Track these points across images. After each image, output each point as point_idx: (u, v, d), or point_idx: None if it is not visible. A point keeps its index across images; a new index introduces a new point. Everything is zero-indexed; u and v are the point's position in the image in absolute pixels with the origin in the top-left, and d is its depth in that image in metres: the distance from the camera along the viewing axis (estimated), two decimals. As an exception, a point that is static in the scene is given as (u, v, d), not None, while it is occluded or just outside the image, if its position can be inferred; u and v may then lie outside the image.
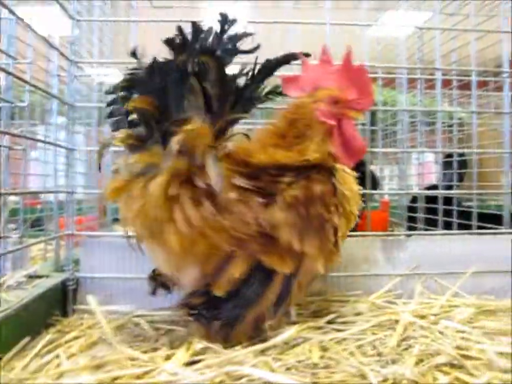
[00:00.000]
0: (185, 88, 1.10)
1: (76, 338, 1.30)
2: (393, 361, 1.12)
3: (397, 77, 1.78)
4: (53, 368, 1.09)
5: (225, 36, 1.16)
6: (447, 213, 2.22)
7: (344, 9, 2.29)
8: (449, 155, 2.67)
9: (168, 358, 1.12)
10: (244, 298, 1.12)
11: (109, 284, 1.59)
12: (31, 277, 1.54)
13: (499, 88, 2.22)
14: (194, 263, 1.13)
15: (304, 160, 1.21)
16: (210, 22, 1.17)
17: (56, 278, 1.55)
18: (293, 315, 1.17)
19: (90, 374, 1.02)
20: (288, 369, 1.06)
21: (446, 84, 2.43)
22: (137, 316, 1.48)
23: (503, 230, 1.81)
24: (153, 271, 1.27)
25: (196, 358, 1.08)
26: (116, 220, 2.56)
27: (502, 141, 2.01)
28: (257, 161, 1.19)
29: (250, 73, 1.23)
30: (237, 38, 1.17)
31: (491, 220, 1.95)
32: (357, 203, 1.28)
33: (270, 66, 1.25)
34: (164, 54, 1.09)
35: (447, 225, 2.21)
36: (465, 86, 2.30)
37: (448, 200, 2.27)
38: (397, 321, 1.34)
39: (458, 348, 1.12)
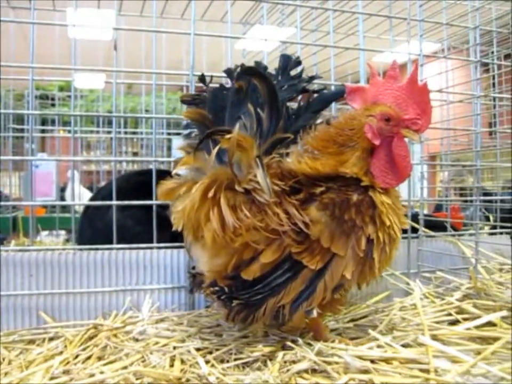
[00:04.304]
0: (240, 111, 1.26)
1: None
2: (257, 369, 1.14)
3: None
4: None
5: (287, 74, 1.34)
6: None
7: (211, 21, 2.33)
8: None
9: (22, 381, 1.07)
10: (267, 286, 1.18)
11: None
12: None
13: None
14: (226, 255, 1.21)
15: (341, 172, 1.23)
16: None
17: None
18: (314, 313, 1.20)
19: None
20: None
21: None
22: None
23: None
24: (193, 268, 1.37)
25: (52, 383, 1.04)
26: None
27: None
28: (297, 169, 1.23)
29: (304, 103, 1.35)
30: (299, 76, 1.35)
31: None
32: (401, 221, 1.26)
33: (326, 98, 1.38)
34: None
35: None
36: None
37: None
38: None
39: (319, 354, 1.16)
